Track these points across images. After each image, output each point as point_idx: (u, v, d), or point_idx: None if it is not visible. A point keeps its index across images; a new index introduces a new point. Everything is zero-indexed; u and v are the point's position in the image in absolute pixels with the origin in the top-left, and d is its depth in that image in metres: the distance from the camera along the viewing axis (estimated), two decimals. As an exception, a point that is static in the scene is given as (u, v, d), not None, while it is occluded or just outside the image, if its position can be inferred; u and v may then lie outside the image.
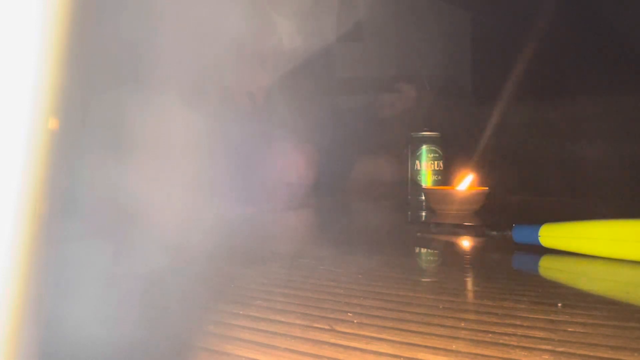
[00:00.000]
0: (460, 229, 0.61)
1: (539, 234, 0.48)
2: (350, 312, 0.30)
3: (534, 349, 0.24)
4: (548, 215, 0.51)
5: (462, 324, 0.28)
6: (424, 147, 0.96)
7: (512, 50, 1.21)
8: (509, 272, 0.44)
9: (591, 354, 0.23)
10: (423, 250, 0.56)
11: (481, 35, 1.42)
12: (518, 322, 0.28)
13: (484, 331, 0.27)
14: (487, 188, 0.84)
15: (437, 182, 0.96)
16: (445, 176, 0.96)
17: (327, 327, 0.28)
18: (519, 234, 0.51)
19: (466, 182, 0.87)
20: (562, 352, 0.24)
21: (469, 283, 0.39)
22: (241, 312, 0.31)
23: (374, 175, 1.13)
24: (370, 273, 0.41)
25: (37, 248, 0.13)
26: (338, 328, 0.28)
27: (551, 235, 0.48)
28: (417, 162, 0.97)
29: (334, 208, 1.02)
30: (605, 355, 0.23)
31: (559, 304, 0.31)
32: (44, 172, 0.13)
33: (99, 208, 0.48)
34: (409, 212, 0.92)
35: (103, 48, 0.44)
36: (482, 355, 0.23)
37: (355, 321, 0.29)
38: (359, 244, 0.58)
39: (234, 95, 0.82)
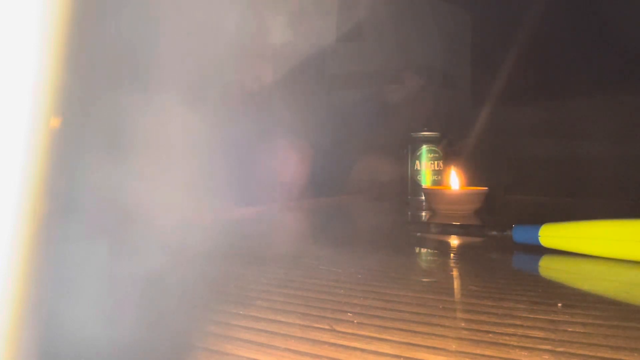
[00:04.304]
0: (460, 229, 0.61)
1: (539, 234, 0.48)
2: (350, 312, 0.30)
3: (534, 349, 0.24)
4: (548, 215, 0.51)
5: (462, 324, 0.28)
6: (424, 147, 0.96)
7: (511, 50, 1.21)
8: (509, 272, 0.44)
9: (591, 354, 0.23)
10: (423, 250, 0.56)
11: (480, 35, 1.42)
12: (518, 322, 0.28)
13: (484, 331, 0.27)
14: (487, 188, 0.84)
15: (436, 182, 0.96)
16: (445, 176, 0.96)
17: (327, 327, 0.28)
18: (519, 234, 0.51)
19: (454, 179, 0.87)
20: (562, 352, 0.24)
21: (469, 283, 0.39)
22: (241, 312, 0.31)
23: (374, 175, 1.13)
24: (370, 273, 0.41)
25: (37, 248, 0.13)
26: (338, 328, 0.28)
27: (551, 235, 0.48)
28: (417, 162, 0.97)
29: (333, 208, 1.02)
30: (605, 355, 0.23)
31: (559, 304, 0.31)
32: (44, 172, 0.13)
33: (98, 208, 0.48)
34: (409, 212, 0.92)
35: (103, 47, 0.44)
36: (482, 355, 0.23)
37: (355, 321, 0.29)
38: (358, 244, 0.58)
39: (234, 94, 0.82)
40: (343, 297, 0.34)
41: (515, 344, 0.25)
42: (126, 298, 0.33)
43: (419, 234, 0.64)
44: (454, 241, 0.58)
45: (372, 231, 0.70)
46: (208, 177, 0.58)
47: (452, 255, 0.52)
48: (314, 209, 0.98)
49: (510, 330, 0.27)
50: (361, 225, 0.80)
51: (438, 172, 0.96)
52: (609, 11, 1.17)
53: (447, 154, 0.97)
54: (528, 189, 1.24)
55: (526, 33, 1.18)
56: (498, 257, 0.50)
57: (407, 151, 0.99)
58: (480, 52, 1.44)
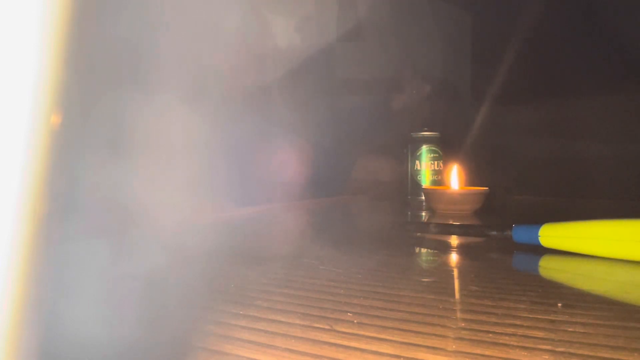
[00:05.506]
0: (460, 229, 0.61)
1: (539, 234, 0.48)
2: (350, 312, 0.30)
3: (534, 349, 0.24)
4: (548, 215, 0.51)
5: (462, 324, 0.28)
6: (424, 147, 0.96)
7: (512, 50, 1.21)
8: (508, 272, 0.44)
9: (591, 354, 0.23)
10: (423, 250, 0.56)
11: (481, 35, 1.42)
12: (518, 322, 0.28)
13: (484, 331, 0.27)
14: (487, 188, 0.84)
15: (436, 182, 0.96)
16: (445, 175, 0.96)
17: (327, 327, 0.28)
18: (519, 234, 0.51)
19: (455, 177, 0.87)
20: (562, 352, 0.24)
21: (469, 283, 0.39)
22: (241, 312, 0.31)
23: (374, 175, 1.13)
24: (370, 273, 0.41)
25: (37, 248, 0.13)
26: (338, 328, 0.28)
27: (551, 235, 0.48)
28: (417, 162, 0.97)
29: (333, 208, 1.02)
30: (606, 355, 0.23)
31: (559, 304, 0.31)
32: (44, 172, 0.13)
33: (98, 208, 0.48)
34: (409, 212, 0.92)
35: (103, 47, 0.44)
36: (482, 355, 0.23)
37: (355, 321, 0.29)
38: (359, 244, 0.58)
39: (234, 94, 0.82)
40: (343, 297, 0.34)
41: (515, 344, 0.25)
42: (126, 298, 0.33)
43: (419, 234, 0.64)
44: (454, 241, 0.58)
45: (372, 231, 0.70)
46: (208, 177, 0.58)
47: (452, 255, 0.52)
48: (314, 209, 0.98)
49: (510, 330, 0.27)
50: (361, 225, 0.80)
51: (438, 172, 0.97)
52: (609, 11, 1.17)
53: (446, 152, 0.97)
54: (528, 189, 1.24)
55: (526, 33, 1.18)
56: (498, 257, 0.50)
57: (407, 151, 0.99)
58: (480, 52, 1.44)
